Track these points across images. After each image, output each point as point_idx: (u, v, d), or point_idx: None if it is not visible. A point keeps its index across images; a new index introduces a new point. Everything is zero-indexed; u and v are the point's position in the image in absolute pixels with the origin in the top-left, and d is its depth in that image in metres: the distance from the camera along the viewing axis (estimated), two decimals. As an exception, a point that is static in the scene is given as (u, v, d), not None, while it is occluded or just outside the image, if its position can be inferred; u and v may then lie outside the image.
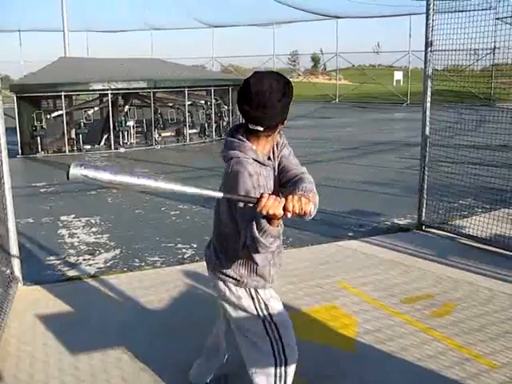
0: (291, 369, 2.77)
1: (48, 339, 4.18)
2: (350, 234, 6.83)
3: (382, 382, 3.55)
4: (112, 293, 5.09)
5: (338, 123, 22.51)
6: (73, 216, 8.18)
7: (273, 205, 2.10)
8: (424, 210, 6.81)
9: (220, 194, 2.19)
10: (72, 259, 6.19)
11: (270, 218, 2.17)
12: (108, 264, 5.99)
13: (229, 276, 2.70)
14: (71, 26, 27.21)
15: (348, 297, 4.85)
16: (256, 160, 2.46)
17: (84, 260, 6.15)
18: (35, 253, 6.40)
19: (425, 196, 6.78)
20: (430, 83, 6.60)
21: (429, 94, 6.63)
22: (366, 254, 6.04)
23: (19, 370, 3.75)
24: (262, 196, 2.11)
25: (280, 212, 2.12)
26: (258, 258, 2.41)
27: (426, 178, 6.75)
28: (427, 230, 6.78)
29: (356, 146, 15.33)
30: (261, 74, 2.42)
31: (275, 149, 2.60)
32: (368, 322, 4.34)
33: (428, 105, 6.66)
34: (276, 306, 2.77)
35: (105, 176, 2.02)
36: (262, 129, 2.40)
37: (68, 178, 1.98)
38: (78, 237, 7.10)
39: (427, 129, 6.70)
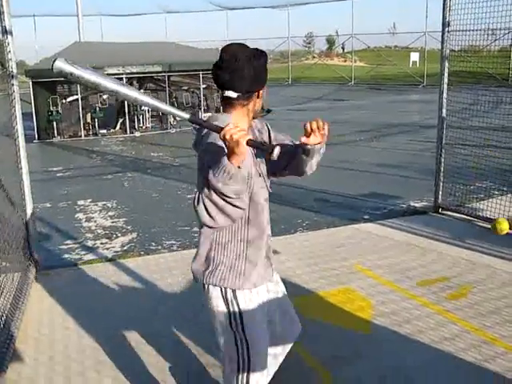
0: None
1: (66, 322, 4.25)
2: (366, 217, 6.81)
3: (397, 363, 3.55)
4: (129, 276, 5.14)
5: (354, 105, 22.32)
6: (89, 200, 8.25)
7: (235, 130, 1.95)
8: (440, 193, 6.76)
9: (187, 116, 2.18)
10: (89, 243, 6.25)
11: (230, 154, 1.99)
12: (125, 248, 6.05)
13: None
14: (85, 11, 27.23)
15: (364, 279, 4.85)
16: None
17: (101, 244, 6.21)
18: (53, 237, 6.47)
19: (441, 178, 6.73)
20: (447, 64, 6.52)
21: (446, 75, 6.54)
22: (382, 236, 6.03)
23: (40, 351, 3.82)
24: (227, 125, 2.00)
25: (240, 136, 1.94)
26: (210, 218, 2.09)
27: (442, 160, 6.69)
28: (444, 212, 6.73)
29: (372, 129, 15.21)
30: (231, 43, 2.38)
31: (255, 129, 2.48)
32: (384, 304, 4.34)
33: (445, 86, 6.57)
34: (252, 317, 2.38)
35: (85, 74, 2.04)
36: (234, 95, 2.32)
37: (52, 69, 2.02)
38: (95, 221, 7.16)
39: (444, 111, 6.63)
